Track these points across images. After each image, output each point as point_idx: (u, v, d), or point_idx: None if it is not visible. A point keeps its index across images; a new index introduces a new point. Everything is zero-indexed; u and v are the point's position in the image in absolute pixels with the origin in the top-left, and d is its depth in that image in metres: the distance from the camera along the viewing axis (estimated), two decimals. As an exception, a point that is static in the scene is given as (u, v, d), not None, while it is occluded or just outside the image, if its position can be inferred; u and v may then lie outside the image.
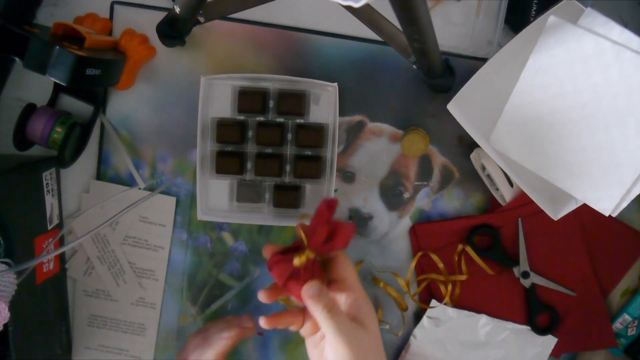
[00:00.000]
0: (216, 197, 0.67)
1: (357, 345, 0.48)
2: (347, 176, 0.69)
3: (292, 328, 0.54)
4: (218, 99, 0.66)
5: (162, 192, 0.67)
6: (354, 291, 0.52)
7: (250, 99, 0.65)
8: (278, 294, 0.53)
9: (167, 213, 0.69)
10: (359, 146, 0.68)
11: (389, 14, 0.45)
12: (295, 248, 0.52)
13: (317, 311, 0.49)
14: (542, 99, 0.59)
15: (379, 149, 0.68)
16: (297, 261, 0.50)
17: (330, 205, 0.51)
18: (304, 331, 0.54)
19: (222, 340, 0.63)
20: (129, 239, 0.70)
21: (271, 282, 0.54)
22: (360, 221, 0.69)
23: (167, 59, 0.67)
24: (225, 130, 0.65)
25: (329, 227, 0.51)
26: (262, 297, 0.53)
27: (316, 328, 0.53)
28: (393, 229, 0.70)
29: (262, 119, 0.66)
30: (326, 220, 0.51)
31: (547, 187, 0.62)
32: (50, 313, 0.66)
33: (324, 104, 0.66)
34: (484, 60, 0.64)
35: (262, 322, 0.52)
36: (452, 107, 0.62)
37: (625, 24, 0.65)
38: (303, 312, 0.53)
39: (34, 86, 0.67)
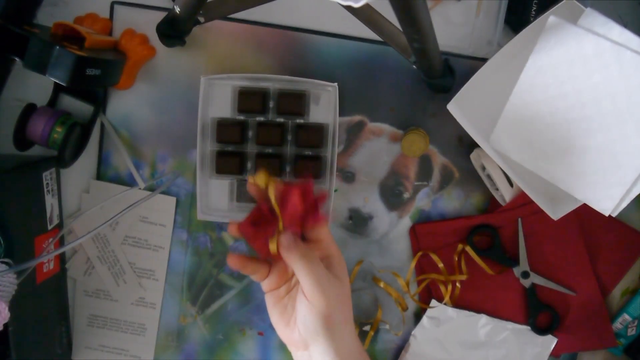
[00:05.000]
0: (216, 197, 0.67)
1: (333, 296, 0.50)
2: (347, 176, 0.69)
3: (255, 278, 0.54)
4: (218, 99, 0.66)
5: (162, 192, 0.67)
6: (330, 248, 0.54)
7: (250, 99, 0.65)
8: (249, 260, 0.54)
9: (167, 213, 0.69)
10: (359, 146, 0.68)
11: (389, 14, 0.45)
12: (265, 214, 0.52)
13: (294, 261, 0.49)
14: (542, 99, 0.59)
15: (379, 149, 0.68)
16: (273, 247, 0.50)
17: (305, 193, 0.50)
18: (267, 285, 0.54)
19: None
20: (129, 239, 0.70)
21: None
22: (360, 221, 0.69)
23: (167, 59, 0.67)
24: (225, 130, 0.65)
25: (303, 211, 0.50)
26: (232, 262, 0.53)
27: (279, 283, 0.54)
28: (393, 229, 0.70)
29: (262, 119, 0.66)
30: (301, 207, 0.50)
31: (547, 187, 0.62)
32: (50, 313, 0.66)
33: (324, 104, 0.66)
34: (484, 60, 0.64)
35: (230, 260, 0.52)
36: (452, 107, 0.62)
37: (625, 24, 0.65)
38: (269, 264, 0.54)
39: (34, 86, 0.67)
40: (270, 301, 0.54)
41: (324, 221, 0.51)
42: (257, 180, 0.52)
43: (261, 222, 0.52)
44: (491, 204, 0.69)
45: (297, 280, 0.54)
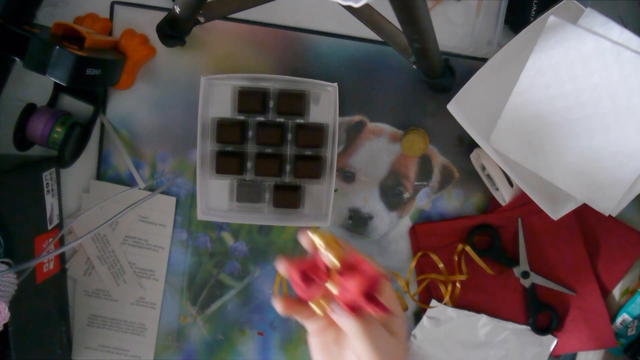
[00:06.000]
0: (216, 197, 0.67)
1: (389, 357, 0.46)
2: (347, 176, 0.69)
3: (300, 320, 0.49)
4: (218, 99, 0.66)
5: (162, 192, 0.67)
6: (390, 306, 0.48)
7: (250, 99, 0.65)
8: (298, 305, 0.48)
9: (167, 213, 0.69)
10: (359, 146, 0.68)
11: (389, 14, 0.45)
12: (320, 270, 0.47)
13: (347, 325, 0.45)
14: (542, 99, 0.59)
15: (379, 149, 0.68)
16: (317, 309, 0.46)
17: (372, 285, 0.44)
18: (311, 328, 0.49)
19: None
20: (129, 239, 0.70)
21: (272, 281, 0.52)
22: (360, 221, 0.69)
23: (167, 59, 0.67)
24: (225, 130, 0.65)
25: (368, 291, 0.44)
26: (280, 308, 0.48)
27: (326, 326, 0.49)
28: (393, 229, 0.70)
29: (262, 119, 0.66)
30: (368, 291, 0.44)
31: (547, 187, 0.62)
32: (50, 313, 0.66)
33: (324, 104, 0.66)
34: (484, 60, 0.64)
35: (278, 306, 0.48)
36: (452, 107, 0.62)
37: (625, 24, 0.65)
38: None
39: (34, 86, 0.67)
40: (315, 346, 0.49)
41: (385, 312, 0.45)
42: (320, 240, 0.47)
43: (313, 274, 0.47)
44: (491, 204, 0.69)
45: None
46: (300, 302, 0.48)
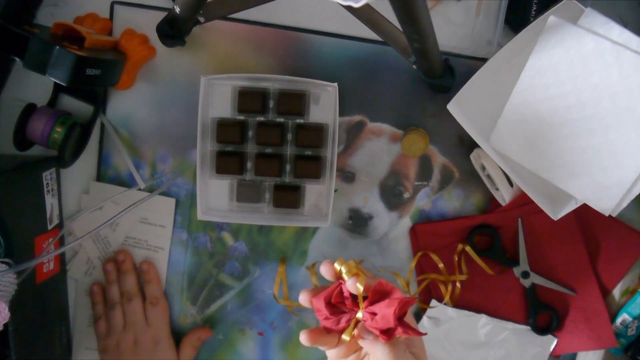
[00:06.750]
0: (216, 197, 0.67)
1: None
2: (347, 176, 0.69)
3: (323, 348, 0.50)
4: (218, 99, 0.66)
5: (162, 193, 0.67)
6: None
7: (250, 99, 0.65)
8: (323, 335, 0.48)
9: (166, 214, 0.69)
10: (359, 146, 0.68)
11: (389, 14, 0.45)
12: (346, 299, 0.47)
13: (376, 350, 0.45)
14: (542, 99, 0.59)
15: (379, 149, 0.68)
16: (346, 337, 0.46)
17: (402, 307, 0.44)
18: (334, 355, 0.50)
19: None
20: (130, 239, 0.70)
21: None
22: (360, 221, 0.69)
23: (167, 59, 0.67)
24: (225, 130, 0.65)
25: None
26: (306, 341, 0.48)
27: (348, 353, 0.50)
28: (393, 229, 0.70)
29: (262, 119, 0.66)
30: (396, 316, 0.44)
31: (547, 187, 0.62)
32: (50, 313, 0.66)
33: (324, 104, 0.66)
34: (484, 60, 0.64)
35: (304, 338, 0.48)
36: (452, 107, 0.62)
37: (625, 24, 0.65)
38: (338, 334, 0.49)
39: (34, 86, 0.67)
40: None
41: (420, 334, 0.45)
42: (344, 269, 0.47)
43: (338, 303, 0.47)
44: (491, 204, 0.69)
45: (367, 352, 0.50)
46: (325, 332, 0.48)
